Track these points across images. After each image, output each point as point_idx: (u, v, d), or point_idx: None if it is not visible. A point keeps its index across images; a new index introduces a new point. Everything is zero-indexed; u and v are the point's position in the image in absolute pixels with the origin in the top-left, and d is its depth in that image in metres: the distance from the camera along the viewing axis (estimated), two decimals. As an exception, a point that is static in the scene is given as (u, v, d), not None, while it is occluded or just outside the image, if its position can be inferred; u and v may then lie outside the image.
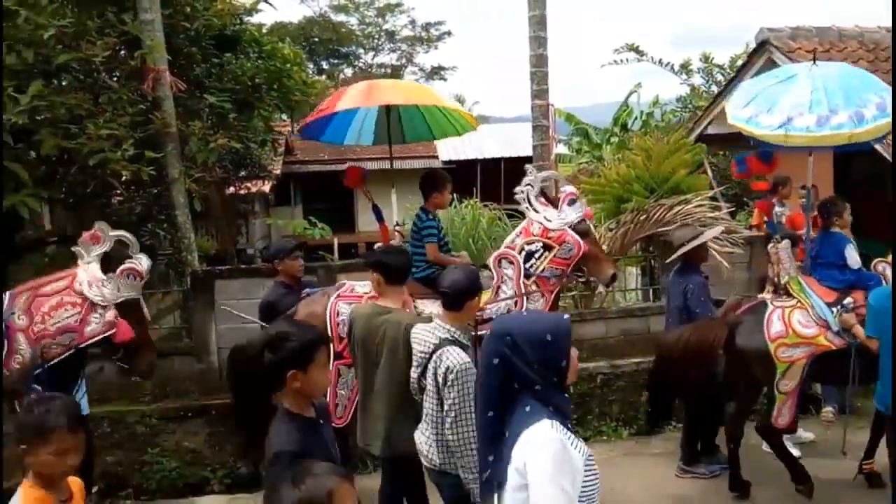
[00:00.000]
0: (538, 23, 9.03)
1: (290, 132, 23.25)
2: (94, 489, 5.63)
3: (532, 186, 5.46)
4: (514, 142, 21.32)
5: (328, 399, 5.03)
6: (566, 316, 2.55)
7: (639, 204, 8.50)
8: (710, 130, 10.92)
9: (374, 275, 4.30)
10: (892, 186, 6.82)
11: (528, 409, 2.37)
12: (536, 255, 5.29)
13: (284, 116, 16.62)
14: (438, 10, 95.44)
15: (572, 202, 5.38)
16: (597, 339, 7.45)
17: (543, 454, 2.28)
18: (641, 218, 8.02)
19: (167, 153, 7.03)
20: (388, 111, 6.57)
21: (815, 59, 5.84)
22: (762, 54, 9.39)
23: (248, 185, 13.91)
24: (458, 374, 3.52)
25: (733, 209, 10.33)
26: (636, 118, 16.94)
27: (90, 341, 4.81)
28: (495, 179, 19.10)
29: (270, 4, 9.68)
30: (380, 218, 6.53)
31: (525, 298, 5.24)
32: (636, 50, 16.48)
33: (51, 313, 4.68)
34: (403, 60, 34.88)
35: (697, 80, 17.04)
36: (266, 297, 5.76)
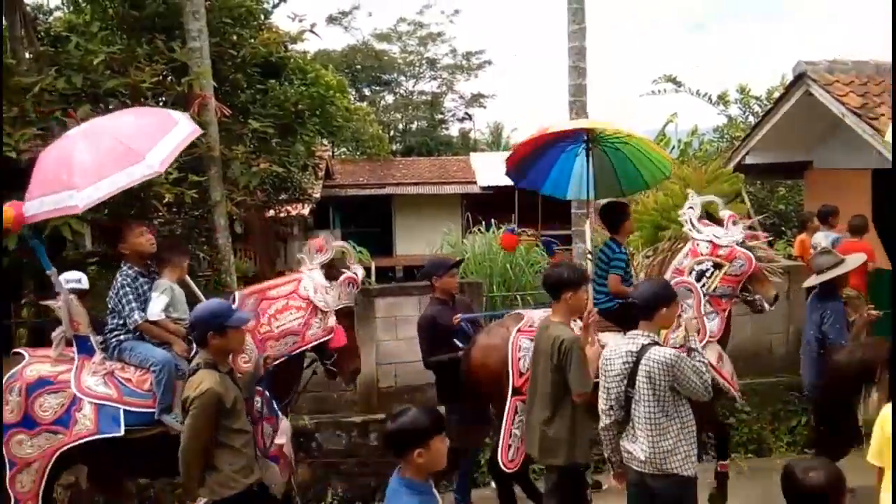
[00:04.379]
0: (577, 53, 9.06)
1: (331, 156, 23.54)
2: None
3: (694, 209, 5.60)
4: (552, 169, 21.16)
5: (502, 439, 4.98)
6: None
7: (676, 232, 8.42)
8: (748, 160, 10.81)
9: None
10: (892, 185, 6.66)
11: None
12: (707, 275, 5.39)
13: (325, 141, 16.87)
14: (479, 40, 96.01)
15: (735, 223, 5.51)
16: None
17: None
18: (679, 246, 7.91)
19: (210, 177, 7.11)
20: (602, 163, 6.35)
21: None
22: (800, 87, 9.34)
23: (288, 208, 14.07)
24: (671, 365, 3.76)
25: (771, 238, 10.20)
26: (673, 147, 16.84)
27: (309, 345, 4.95)
28: (533, 206, 19.07)
29: (315, 34, 9.79)
30: (550, 251, 6.51)
31: (704, 320, 5.23)
32: (673, 81, 16.45)
33: (276, 316, 4.84)
34: (444, 88, 35.11)
35: (734, 110, 16.91)
36: (426, 313, 5.84)
